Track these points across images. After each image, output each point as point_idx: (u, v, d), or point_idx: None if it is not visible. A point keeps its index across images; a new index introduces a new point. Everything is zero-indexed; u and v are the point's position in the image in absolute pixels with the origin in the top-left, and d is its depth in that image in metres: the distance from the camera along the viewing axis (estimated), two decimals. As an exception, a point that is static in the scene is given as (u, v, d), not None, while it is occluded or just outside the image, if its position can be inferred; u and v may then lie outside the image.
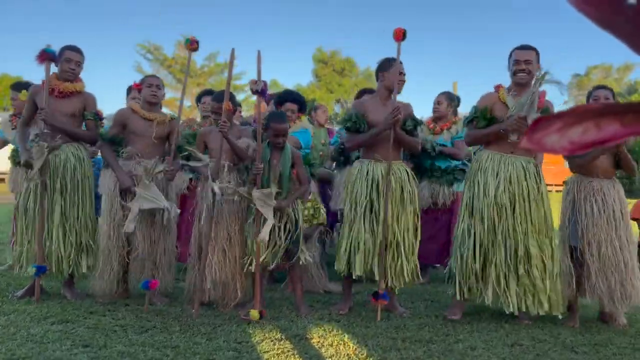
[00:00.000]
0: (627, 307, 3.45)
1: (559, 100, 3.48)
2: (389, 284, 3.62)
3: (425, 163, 4.77)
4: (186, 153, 3.78)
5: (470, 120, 3.64)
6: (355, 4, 48.50)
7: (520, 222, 3.42)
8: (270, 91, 5.76)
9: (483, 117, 3.56)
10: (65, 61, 3.80)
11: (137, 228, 3.73)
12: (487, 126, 3.55)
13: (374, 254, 3.57)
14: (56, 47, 3.87)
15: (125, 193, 3.78)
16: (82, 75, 3.94)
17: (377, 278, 3.59)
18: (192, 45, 3.79)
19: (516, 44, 3.57)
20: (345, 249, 3.63)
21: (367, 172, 3.66)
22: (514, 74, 3.52)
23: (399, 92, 3.71)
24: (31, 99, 3.83)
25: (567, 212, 3.60)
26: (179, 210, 3.88)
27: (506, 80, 3.65)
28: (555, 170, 13.51)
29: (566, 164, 3.83)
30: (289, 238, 3.61)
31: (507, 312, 3.43)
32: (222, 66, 31.12)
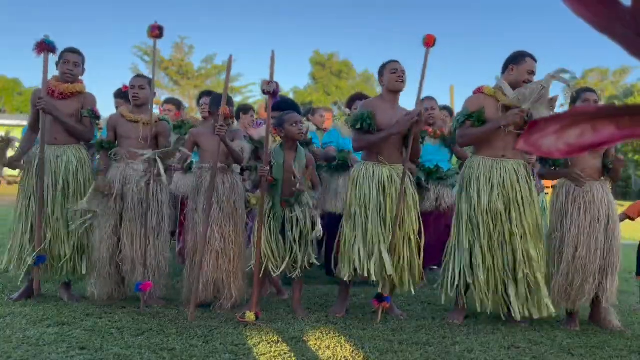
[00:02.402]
0: (606, 304, 3.48)
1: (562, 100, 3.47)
2: (395, 287, 3.62)
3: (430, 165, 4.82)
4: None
5: (463, 122, 3.60)
6: (353, 7, 48.57)
7: (517, 226, 3.42)
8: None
9: (478, 119, 3.53)
10: (63, 63, 3.81)
11: (125, 230, 3.75)
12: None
13: (383, 257, 3.55)
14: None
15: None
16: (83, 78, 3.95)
17: (372, 279, 3.58)
18: (154, 32, 3.72)
19: (513, 47, 3.62)
20: (356, 252, 3.58)
21: (373, 174, 3.62)
22: (523, 82, 3.51)
23: (397, 91, 3.70)
24: (34, 102, 3.83)
25: (558, 217, 3.58)
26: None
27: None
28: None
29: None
30: (305, 243, 3.62)
31: (516, 318, 3.43)
32: (220, 68, 31.15)
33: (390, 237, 3.53)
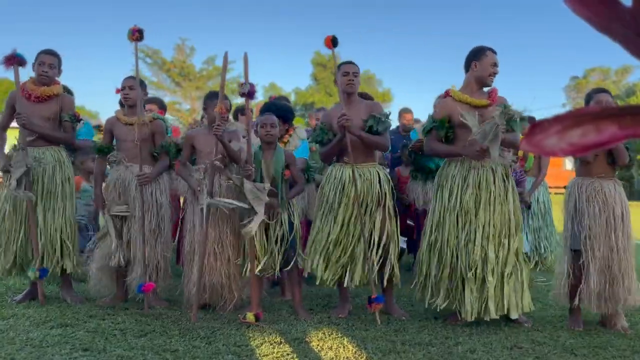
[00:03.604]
0: (621, 308, 3.45)
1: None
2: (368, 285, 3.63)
3: (430, 164, 4.82)
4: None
5: (429, 130, 3.62)
6: (353, 7, 48.61)
7: (484, 226, 3.40)
8: (274, 94, 5.68)
9: (442, 126, 3.55)
10: (39, 65, 3.81)
11: (127, 232, 3.78)
12: (447, 134, 3.56)
13: (337, 259, 3.60)
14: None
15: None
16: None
17: (345, 284, 3.64)
18: (134, 35, 3.72)
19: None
20: (319, 255, 3.64)
21: (335, 177, 3.68)
22: (489, 75, 3.54)
23: (349, 93, 3.72)
24: (9, 104, 3.83)
25: (570, 216, 3.56)
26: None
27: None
28: (555, 172, 13.63)
29: (565, 166, 3.83)
30: (286, 243, 3.60)
31: (466, 317, 3.42)
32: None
33: (343, 239, 3.58)
